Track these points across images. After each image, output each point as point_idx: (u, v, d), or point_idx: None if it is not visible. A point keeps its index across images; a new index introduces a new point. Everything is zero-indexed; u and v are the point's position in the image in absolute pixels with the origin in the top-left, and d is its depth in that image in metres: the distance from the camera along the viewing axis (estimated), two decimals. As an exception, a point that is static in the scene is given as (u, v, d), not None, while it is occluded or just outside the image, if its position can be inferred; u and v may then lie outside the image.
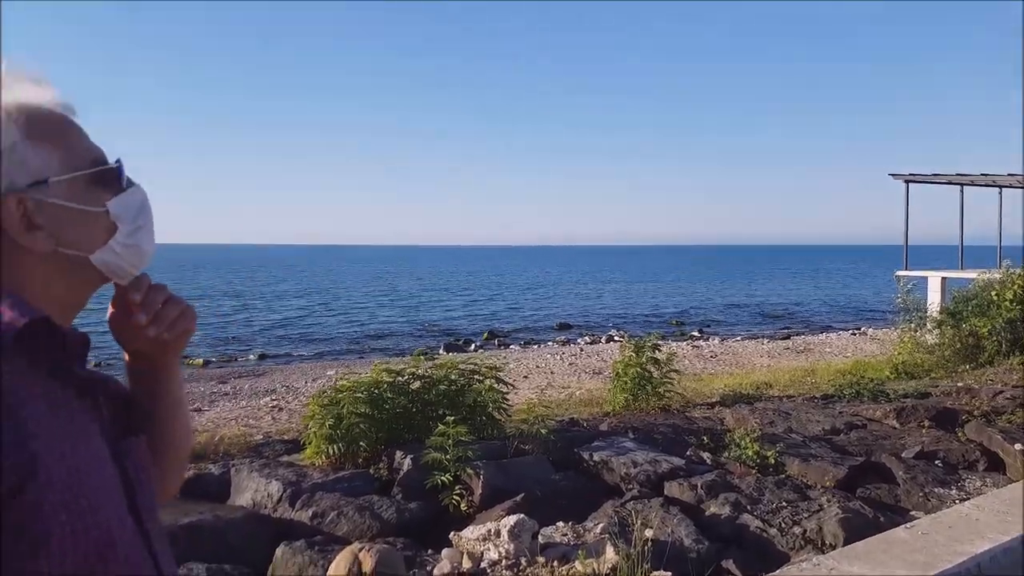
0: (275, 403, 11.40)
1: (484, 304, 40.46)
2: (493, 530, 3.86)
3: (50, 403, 0.83)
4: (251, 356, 20.74)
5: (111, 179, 0.93)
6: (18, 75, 0.87)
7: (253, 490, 4.75)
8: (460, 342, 23.08)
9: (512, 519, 3.92)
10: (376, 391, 5.55)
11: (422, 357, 6.20)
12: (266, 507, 4.60)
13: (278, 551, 3.80)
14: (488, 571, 3.73)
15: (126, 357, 1.04)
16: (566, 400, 9.43)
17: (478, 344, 22.84)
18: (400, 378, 5.82)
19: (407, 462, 4.95)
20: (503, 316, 33.81)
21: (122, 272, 0.94)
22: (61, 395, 0.85)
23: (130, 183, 0.96)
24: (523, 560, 3.79)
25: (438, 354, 13.33)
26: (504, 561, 3.78)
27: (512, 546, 3.82)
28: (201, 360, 18.84)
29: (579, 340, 23.16)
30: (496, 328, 27.67)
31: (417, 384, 5.85)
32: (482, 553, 3.84)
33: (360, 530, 4.23)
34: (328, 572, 3.31)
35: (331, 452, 5.19)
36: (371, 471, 5.14)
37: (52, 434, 0.81)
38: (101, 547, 0.82)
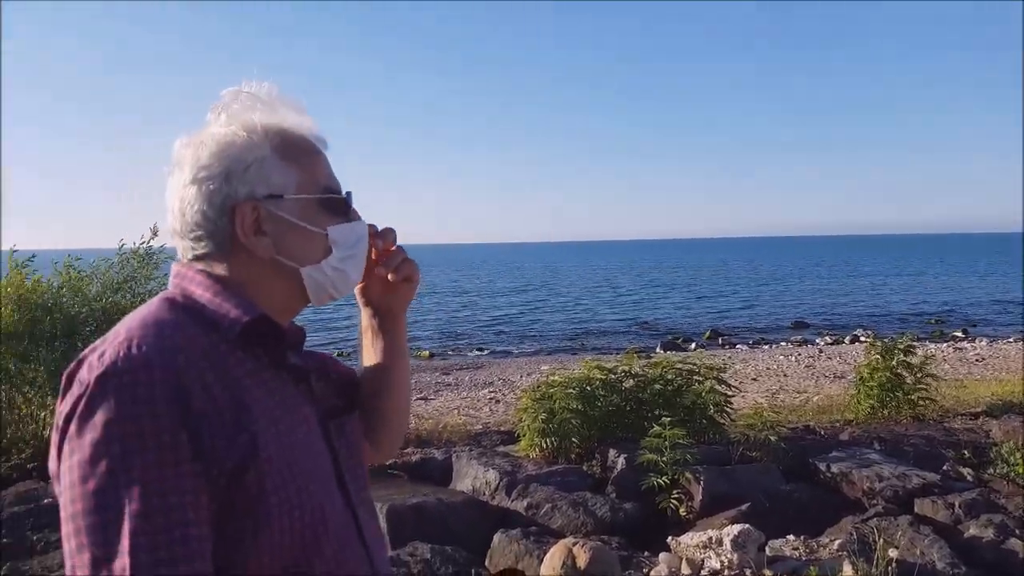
0: (493, 395, 12.03)
1: (710, 301, 39.00)
2: (715, 538, 3.75)
3: (269, 390, 0.94)
4: (472, 350, 22.09)
5: (338, 207, 1.03)
6: (285, 101, 1.01)
7: (472, 477, 5.07)
8: (679, 340, 22.51)
9: (736, 528, 3.78)
10: (588, 388, 5.64)
11: (635, 355, 6.17)
12: (484, 494, 4.88)
13: (496, 538, 4.02)
14: (708, 580, 3.62)
15: (363, 319, 1.21)
16: (801, 406, 8.82)
17: (699, 343, 22.13)
18: (612, 375, 5.85)
19: (621, 461, 4.96)
20: (729, 313, 32.38)
21: (322, 292, 1.03)
22: (278, 383, 0.96)
23: (355, 216, 1.06)
24: (748, 572, 3.63)
25: (654, 353, 13.14)
26: (727, 571, 3.65)
27: (736, 556, 3.68)
28: (427, 352, 20.49)
29: (818, 340, 21.47)
30: (720, 326, 26.60)
31: (631, 382, 5.83)
32: (702, 561, 3.74)
33: (574, 525, 4.33)
34: (543, 563, 3.44)
35: (544, 446, 5.37)
36: (584, 468, 5.24)
37: (271, 419, 0.91)
38: (315, 525, 0.92)
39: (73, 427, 0.82)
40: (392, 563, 3.61)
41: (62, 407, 0.85)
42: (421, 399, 12.22)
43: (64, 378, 0.88)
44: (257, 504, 0.87)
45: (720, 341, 22.87)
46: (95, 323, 7.33)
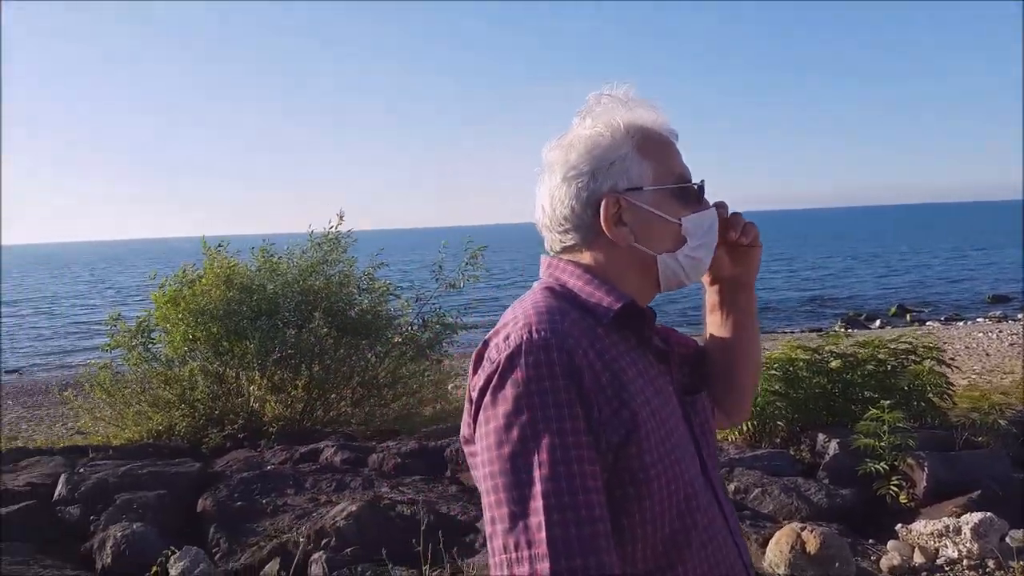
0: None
1: (898, 275, 36.27)
2: (952, 526, 3.62)
3: (639, 370, 1.05)
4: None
5: (691, 197, 1.13)
6: (640, 101, 1.13)
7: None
8: (862, 317, 21.20)
9: (977, 516, 3.63)
10: (790, 368, 5.52)
11: (842, 333, 5.94)
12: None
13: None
14: (946, 569, 3.50)
15: (709, 296, 1.30)
16: (1013, 388, 8.14)
17: (884, 319, 20.72)
18: (817, 355, 5.68)
19: (832, 446, 4.85)
20: (918, 287, 29.98)
21: (675, 279, 1.13)
22: (645, 363, 1.08)
23: (707, 204, 1.16)
24: (990, 562, 3.48)
25: (832, 331, 12.49)
26: (966, 561, 3.52)
27: (976, 546, 3.54)
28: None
29: (1020, 316, 19.47)
30: (907, 301, 24.73)
31: (836, 363, 5.64)
32: (937, 550, 3.62)
33: (787, 510, 4.30)
34: (768, 548, 3.46)
35: (744, 428, 5.33)
36: (791, 452, 5.15)
37: (644, 397, 1.02)
38: (688, 499, 1.03)
39: (487, 399, 0.97)
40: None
41: (475, 381, 1.01)
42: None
43: (474, 357, 1.04)
44: (638, 478, 0.98)
45: (908, 318, 21.30)
46: (293, 303, 8.07)
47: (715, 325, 1.30)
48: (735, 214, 1.20)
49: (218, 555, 4.35)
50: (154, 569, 3.98)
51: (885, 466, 4.45)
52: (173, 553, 3.96)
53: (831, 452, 4.83)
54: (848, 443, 4.71)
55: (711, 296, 1.30)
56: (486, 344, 1.04)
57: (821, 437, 5.05)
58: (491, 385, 0.97)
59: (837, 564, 3.29)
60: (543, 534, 0.88)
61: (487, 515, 0.95)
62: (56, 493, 5.46)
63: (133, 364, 8.49)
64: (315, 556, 4.01)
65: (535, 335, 0.97)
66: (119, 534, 4.47)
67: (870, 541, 3.89)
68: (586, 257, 1.12)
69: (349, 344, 8.19)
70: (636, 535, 0.99)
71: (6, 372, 21.00)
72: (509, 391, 0.95)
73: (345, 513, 4.34)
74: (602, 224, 1.08)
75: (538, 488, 0.90)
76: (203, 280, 8.31)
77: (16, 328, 31.09)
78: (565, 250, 1.14)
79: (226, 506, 4.94)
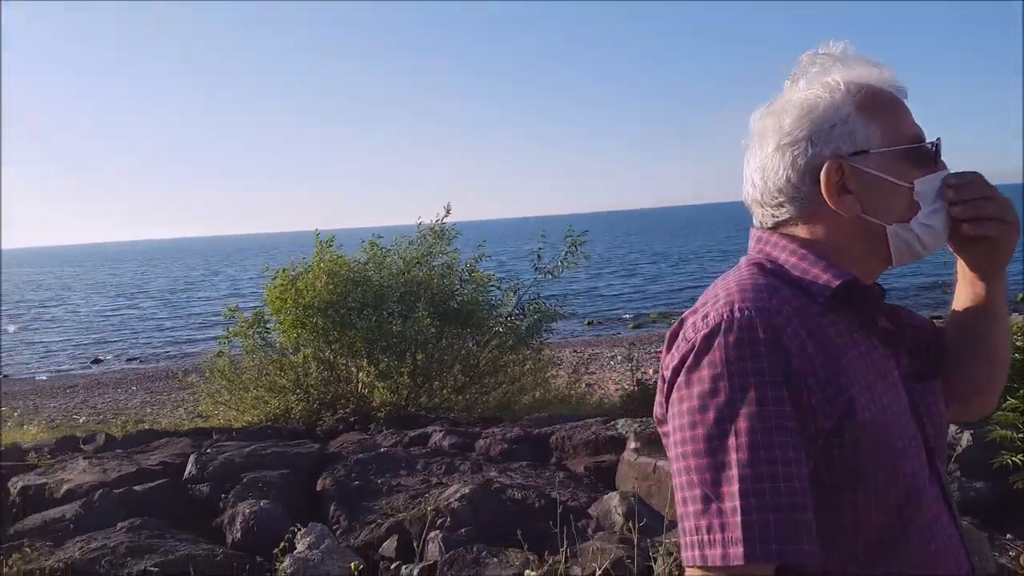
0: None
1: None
2: (1106, 526, 3.36)
3: (860, 353, 0.97)
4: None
5: (924, 158, 1.02)
6: (859, 57, 1.04)
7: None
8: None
9: None
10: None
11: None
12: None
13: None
14: (1101, 573, 3.27)
15: (958, 270, 1.13)
16: None
17: (1012, 305, 19.34)
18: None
19: (965, 437, 4.60)
20: None
21: (909, 252, 1.01)
22: (868, 345, 0.99)
23: (943, 166, 1.04)
24: None
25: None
26: (1123, 565, 3.26)
27: None
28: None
29: None
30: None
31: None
32: (1087, 551, 3.38)
33: (916, 503, 4.11)
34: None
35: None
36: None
37: (864, 380, 0.94)
38: (907, 493, 0.95)
39: (681, 378, 0.93)
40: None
41: (669, 361, 0.97)
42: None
43: (668, 336, 1.00)
44: (851, 468, 0.91)
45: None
46: (399, 294, 8.36)
47: (958, 302, 1.16)
48: (988, 195, 1.01)
49: (338, 531, 4.56)
50: (282, 544, 4.22)
51: (1022, 458, 4.19)
52: (299, 529, 4.18)
53: (964, 444, 4.59)
54: (983, 434, 4.46)
55: (959, 269, 1.14)
56: (682, 323, 0.99)
57: (953, 428, 4.80)
58: (686, 365, 0.93)
59: (976, 559, 3.13)
60: (738, 518, 0.84)
61: (678, 495, 0.91)
62: (186, 472, 5.86)
63: (250, 352, 9.02)
64: (431, 535, 4.14)
65: (737, 313, 0.92)
66: (247, 511, 4.76)
67: (1008, 536, 3.68)
68: (802, 231, 1.03)
69: (451, 333, 8.39)
70: (846, 528, 0.93)
71: (127, 360, 22.58)
72: (705, 371, 0.90)
73: (459, 495, 4.46)
74: (823, 194, 0.99)
75: (734, 471, 0.85)
76: (309, 275, 8.71)
77: (136, 319, 33.37)
78: (778, 225, 1.05)
79: (344, 485, 5.17)
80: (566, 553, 3.56)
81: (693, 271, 39.08)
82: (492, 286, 9.10)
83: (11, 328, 32.12)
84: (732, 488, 0.85)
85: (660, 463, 4.60)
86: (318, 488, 5.28)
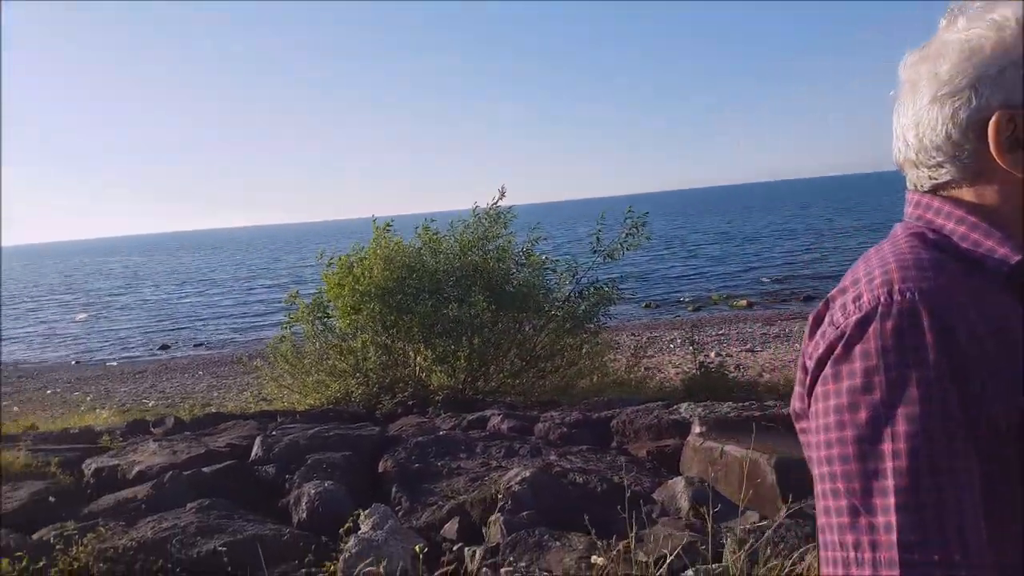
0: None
1: None
2: None
3: None
4: (795, 299, 20.96)
5: None
6: None
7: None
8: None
9: None
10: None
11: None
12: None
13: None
14: None
15: None
16: None
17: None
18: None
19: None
20: None
21: None
22: None
23: None
24: None
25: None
26: None
27: None
28: (745, 302, 19.91)
29: None
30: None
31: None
32: None
33: None
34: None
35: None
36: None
37: None
38: None
39: (828, 371, 0.83)
40: (796, 515, 3.61)
41: (812, 349, 0.87)
42: (748, 351, 11.96)
43: (811, 320, 0.90)
44: None
45: None
46: (454, 279, 8.39)
47: None
48: None
49: (401, 513, 4.60)
50: (347, 524, 4.28)
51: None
52: (363, 510, 4.23)
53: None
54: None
55: None
56: (828, 304, 0.88)
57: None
58: (833, 355, 0.83)
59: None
60: (893, 537, 0.74)
61: (820, 504, 0.82)
62: (253, 454, 6.01)
63: (310, 337, 9.20)
64: (492, 517, 4.14)
65: (897, 295, 0.80)
66: (312, 491, 4.84)
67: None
68: (968, 194, 0.90)
69: (507, 317, 8.38)
70: (1020, 538, 0.81)
71: (194, 346, 23.33)
72: (858, 364, 0.80)
73: (520, 478, 4.44)
74: (992, 151, 0.85)
75: (889, 482, 0.75)
76: (364, 261, 8.81)
77: (203, 306, 34.47)
78: (937, 188, 0.92)
79: (405, 468, 5.22)
80: (634, 537, 3.51)
81: (759, 251, 38.21)
82: (548, 269, 9.05)
83: (82, 316, 33.57)
84: (887, 501, 0.75)
85: (728, 448, 4.50)
86: (380, 470, 5.34)
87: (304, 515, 4.73)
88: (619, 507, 3.90)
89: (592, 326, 8.60)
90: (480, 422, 6.30)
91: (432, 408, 7.23)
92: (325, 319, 9.17)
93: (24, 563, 4.05)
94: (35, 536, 4.56)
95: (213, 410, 9.57)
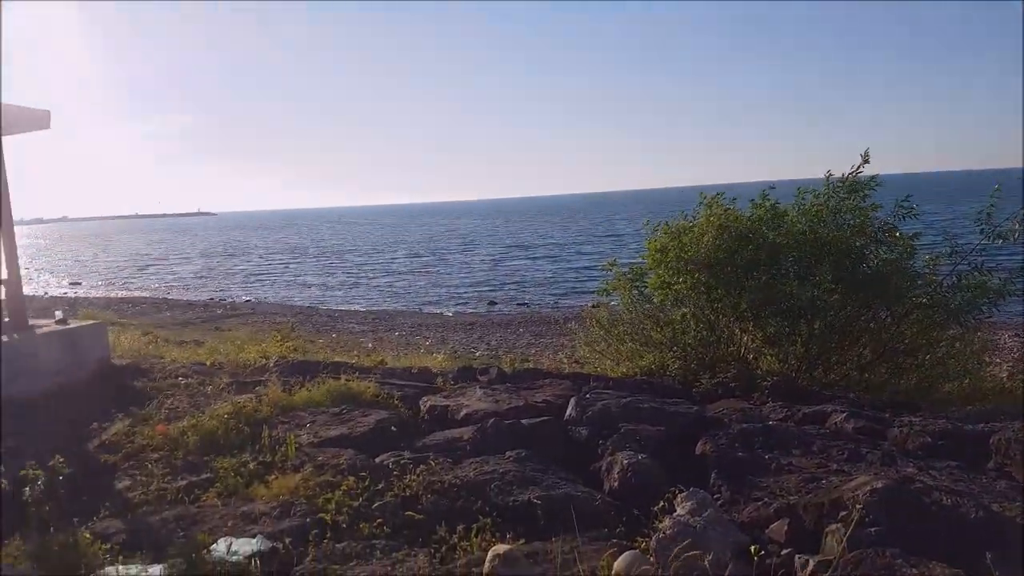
0: None
1: None
2: None
3: None
4: None
5: None
6: None
7: None
8: None
9: None
10: None
11: None
12: None
13: None
14: None
15: None
16: None
17: None
18: None
19: None
20: None
21: None
22: None
23: None
24: None
25: None
26: None
27: None
28: None
29: None
30: None
31: None
32: None
33: None
34: None
35: None
36: None
37: None
38: None
39: None
40: None
41: None
42: None
43: None
44: None
45: None
46: (797, 254, 7.69)
47: None
48: None
49: (720, 502, 4.33)
50: (660, 504, 4.13)
51: None
52: (680, 491, 4.04)
53: None
54: None
55: None
56: None
57: None
58: None
59: None
60: None
61: None
62: (567, 413, 6.16)
63: (626, 305, 9.22)
64: (831, 527, 3.67)
65: None
66: (625, 461, 4.78)
67: None
68: None
69: (858, 302, 7.47)
70: None
71: (517, 305, 25.10)
72: None
73: (868, 488, 3.88)
74: None
75: None
76: (696, 229, 8.48)
77: (527, 269, 37.08)
78: None
79: (726, 454, 4.91)
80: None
81: None
82: (919, 251, 7.82)
83: (423, 271, 38.16)
84: None
85: None
86: (697, 452, 5.10)
87: (616, 484, 4.69)
88: (997, 546, 3.20)
89: (968, 320, 7.25)
90: (817, 417, 5.72)
91: (758, 394, 6.76)
92: (643, 288, 9.11)
93: (366, 483, 4.60)
94: (377, 460, 5.17)
95: (530, 366, 10.11)
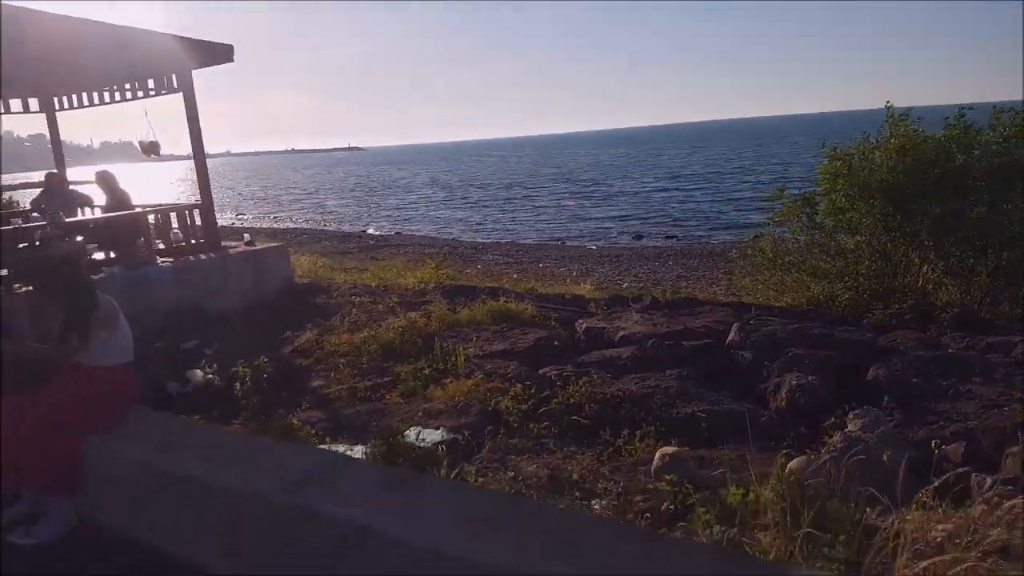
0: None
1: None
2: None
3: None
4: None
5: None
6: None
7: None
8: None
9: None
10: None
11: None
12: None
13: None
14: None
15: None
16: None
17: None
18: None
19: None
20: None
21: None
22: None
23: None
24: None
25: None
26: None
27: None
28: None
29: None
30: None
31: None
32: None
33: None
34: None
35: None
36: None
37: None
38: None
39: None
40: None
41: None
42: None
43: None
44: None
45: None
46: (987, 179, 7.26)
47: None
48: None
49: (892, 424, 4.38)
50: (831, 419, 4.25)
51: None
52: (852, 409, 4.14)
53: None
54: None
55: None
56: None
57: None
58: None
59: None
60: None
61: None
62: (729, 338, 6.29)
63: (794, 234, 9.05)
64: (1013, 450, 3.68)
65: None
66: (794, 382, 4.90)
67: None
68: None
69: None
70: None
71: (665, 237, 24.87)
72: None
73: (1058, 413, 3.83)
74: None
75: None
76: (874, 152, 8.15)
77: (678, 200, 36.39)
78: None
79: (900, 379, 4.91)
80: None
81: None
82: None
83: (571, 203, 38.30)
84: None
85: None
86: (868, 377, 5.13)
87: (783, 403, 4.83)
88: None
89: None
90: (1002, 347, 5.54)
91: (935, 326, 6.57)
92: (813, 216, 8.89)
93: (532, 391, 5.00)
94: (540, 371, 5.56)
95: (683, 296, 10.19)
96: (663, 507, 3.32)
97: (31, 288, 3.52)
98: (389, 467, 2.94)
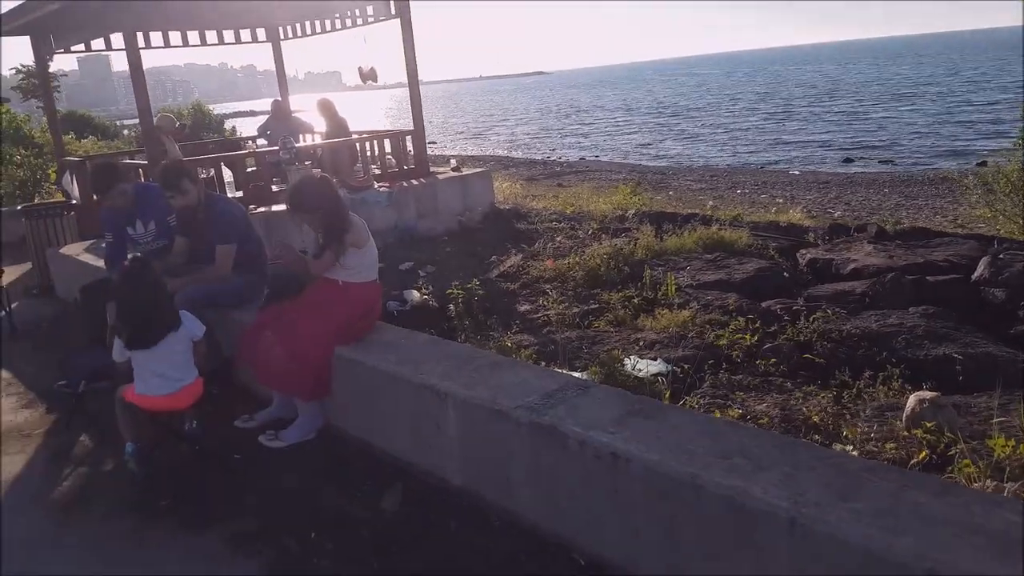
0: None
1: None
2: None
3: None
4: None
5: None
6: None
7: None
8: None
9: None
10: None
11: None
12: None
13: None
14: None
15: None
16: None
17: None
18: None
19: None
20: None
21: None
22: None
23: None
24: None
25: None
26: None
27: None
28: None
29: None
30: None
31: None
32: None
33: None
34: None
35: None
36: None
37: None
38: None
39: None
40: None
41: None
42: None
43: None
44: None
45: None
46: None
47: None
48: None
49: None
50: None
51: None
52: None
53: None
54: None
55: None
56: None
57: None
58: None
59: None
60: None
61: None
62: (977, 273, 5.68)
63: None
64: None
65: None
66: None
67: None
68: None
69: None
70: None
71: (879, 162, 22.90)
72: None
73: None
74: None
75: None
76: None
77: (895, 122, 33.30)
78: None
79: None
80: None
81: None
82: None
83: (765, 124, 36.12)
84: None
85: None
86: None
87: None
88: None
89: None
90: None
91: None
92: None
93: (756, 325, 4.78)
94: (763, 304, 5.32)
95: (903, 227, 9.34)
96: (922, 456, 3.08)
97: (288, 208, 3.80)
98: (628, 393, 2.91)
